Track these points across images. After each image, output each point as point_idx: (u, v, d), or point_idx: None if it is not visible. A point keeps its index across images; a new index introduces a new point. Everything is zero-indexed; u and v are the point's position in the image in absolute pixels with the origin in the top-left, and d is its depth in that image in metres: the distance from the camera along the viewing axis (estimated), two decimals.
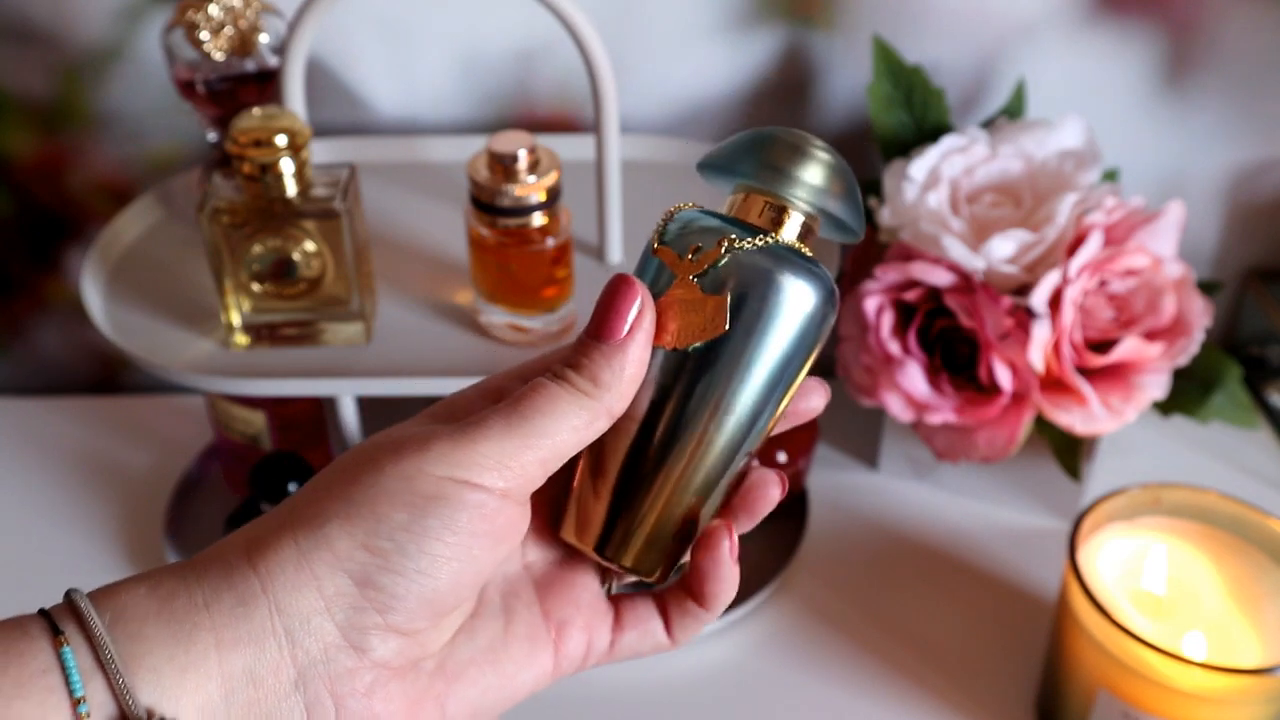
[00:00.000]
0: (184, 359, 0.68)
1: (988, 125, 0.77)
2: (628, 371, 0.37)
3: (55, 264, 0.89)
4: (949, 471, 0.82)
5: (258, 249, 0.65)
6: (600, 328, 0.37)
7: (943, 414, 0.72)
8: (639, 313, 0.37)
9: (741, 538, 0.40)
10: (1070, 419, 0.70)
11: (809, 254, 0.39)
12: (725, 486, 0.39)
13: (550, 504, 0.41)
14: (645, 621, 0.40)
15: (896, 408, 0.73)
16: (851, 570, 0.77)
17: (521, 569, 0.40)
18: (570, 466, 0.39)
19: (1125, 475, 0.75)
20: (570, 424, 0.36)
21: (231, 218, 0.64)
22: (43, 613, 0.33)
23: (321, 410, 0.78)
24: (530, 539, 0.41)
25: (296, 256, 0.65)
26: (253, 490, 0.72)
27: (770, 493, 0.39)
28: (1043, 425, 0.72)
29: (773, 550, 0.77)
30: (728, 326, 0.37)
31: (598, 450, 0.39)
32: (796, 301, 0.37)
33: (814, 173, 0.38)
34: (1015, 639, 0.73)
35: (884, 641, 0.73)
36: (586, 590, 0.40)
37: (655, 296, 0.38)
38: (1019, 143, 0.73)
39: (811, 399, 0.40)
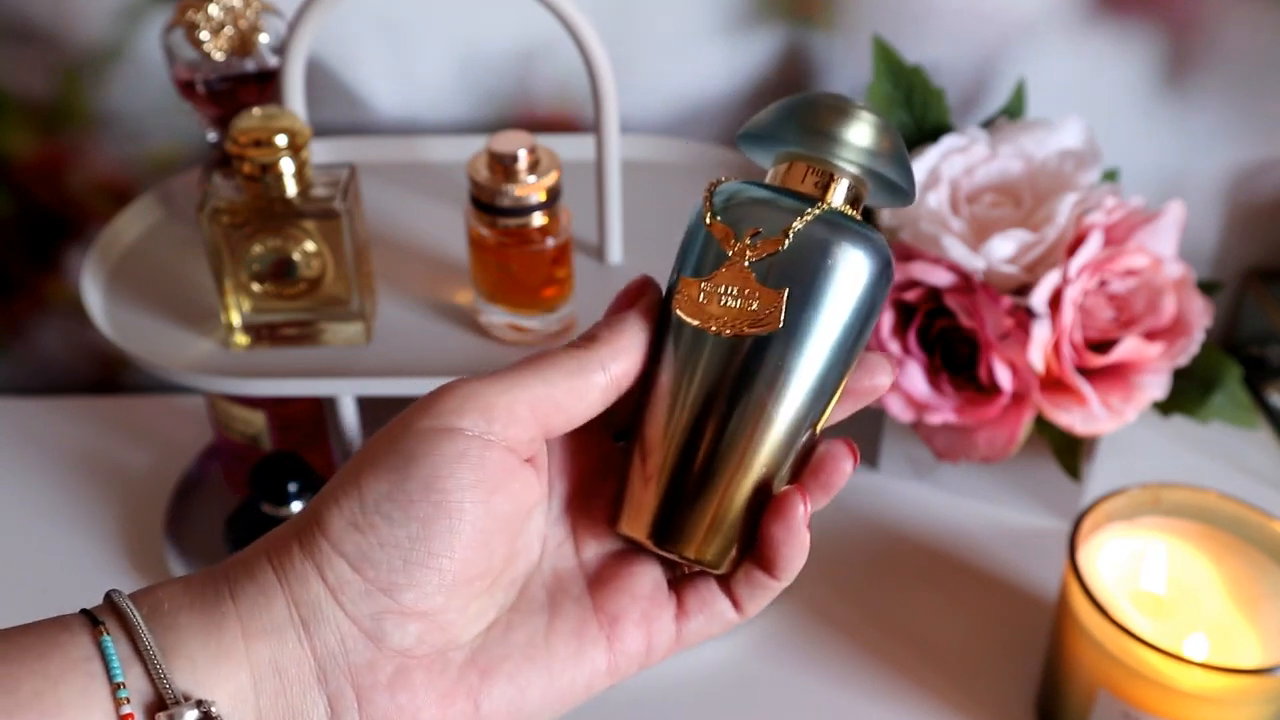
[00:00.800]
0: (184, 359, 0.68)
1: (988, 125, 0.77)
2: (625, 333, 0.37)
3: (55, 264, 0.89)
4: (949, 471, 0.82)
5: (258, 249, 0.65)
6: (611, 305, 0.39)
7: (943, 414, 0.72)
8: (645, 292, 0.38)
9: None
10: (1070, 419, 0.70)
11: (862, 220, 0.37)
12: (791, 466, 0.38)
13: (605, 498, 0.40)
14: (711, 603, 0.39)
15: (896, 408, 0.73)
16: (851, 570, 0.77)
17: (575, 565, 0.39)
18: (622, 457, 0.39)
19: (1125, 475, 0.75)
20: (559, 369, 0.36)
21: (231, 218, 0.64)
22: (83, 611, 0.34)
23: (321, 410, 0.78)
24: (585, 534, 0.40)
25: (296, 256, 0.65)
26: (253, 490, 0.72)
27: (843, 465, 0.39)
28: (1043, 425, 0.72)
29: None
30: (782, 320, 0.36)
31: (650, 436, 0.38)
32: (855, 271, 0.36)
33: (860, 133, 0.37)
34: (1015, 639, 0.73)
35: (884, 641, 0.73)
36: (646, 581, 0.39)
37: (704, 273, 0.37)
38: (1019, 143, 0.73)
39: (877, 376, 0.39)
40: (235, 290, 0.66)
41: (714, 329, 0.36)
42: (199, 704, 0.32)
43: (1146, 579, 0.64)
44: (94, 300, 0.71)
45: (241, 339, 0.68)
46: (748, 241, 0.36)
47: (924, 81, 0.77)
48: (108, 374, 0.94)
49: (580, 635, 0.38)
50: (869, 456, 0.85)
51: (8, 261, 0.89)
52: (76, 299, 0.80)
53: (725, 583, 0.39)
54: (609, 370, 0.37)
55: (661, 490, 0.38)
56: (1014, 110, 0.78)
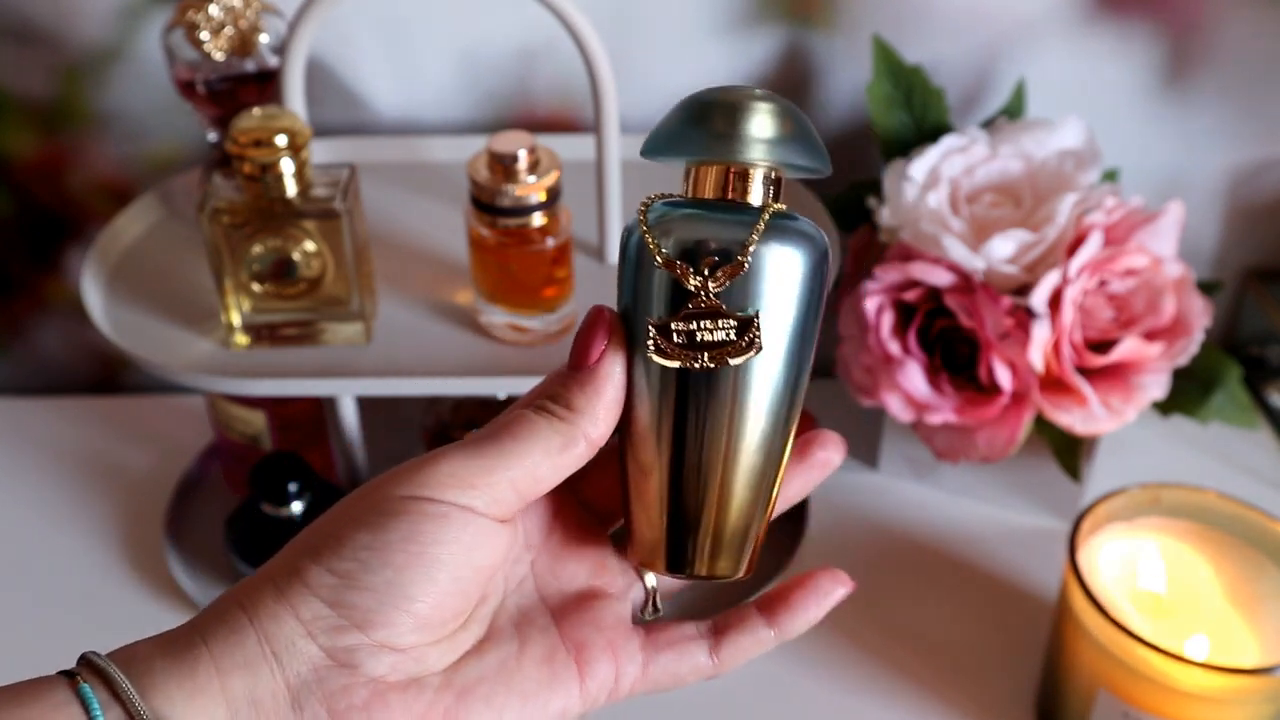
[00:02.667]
0: (184, 359, 0.68)
1: (988, 125, 0.77)
2: (602, 396, 0.37)
3: (55, 264, 0.89)
4: (949, 471, 0.82)
5: (258, 249, 0.65)
6: (573, 357, 0.38)
7: (943, 414, 0.72)
8: (609, 339, 0.38)
9: None
10: (1070, 419, 0.70)
11: (792, 213, 0.38)
12: (783, 462, 0.39)
13: (560, 534, 0.41)
14: (680, 642, 0.40)
15: (896, 408, 0.73)
16: (851, 570, 0.76)
17: (537, 600, 0.40)
18: (619, 493, 0.40)
19: (1125, 475, 0.75)
20: (543, 447, 0.37)
21: (231, 218, 0.64)
22: (60, 672, 0.35)
23: (321, 410, 0.78)
24: (544, 571, 0.41)
25: (296, 256, 0.65)
26: (253, 490, 0.72)
27: (831, 458, 0.41)
28: (1043, 425, 0.72)
29: (773, 550, 0.77)
30: (762, 342, 0.36)
31: (638, 473, 0.38)
32: (805, 268, 0.37)
33: (762, 125, 0.37)
34: (1015, 639, 0.73)
35: (884, 641, 0.73)
36: (608, 614, 0.40)
37: (665, 308, 0.37)
38: (1019, 143, 0.73)
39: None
40: (235, 290, 0.66)
41: (698, 366, 0.37)
42: None
43: (1146, 579, 0.64)
44: (94, 300, 0.71)
45: (241, 339, 0.68)
46: (707, 274, 0.36)
47: (924, 81, 0.77)
48: (108, 374, 0.94)
49: (550, 660, 0.39)
50: (869, 457, 0.85)
51: (8, 261, 0.89)
52: (76, 299, 0.80)
53: (715, 626, 0.40)
54: (589, 437, 0.38)
55: (662, 522, 0.38)
56: (1014, 110, 0.78)
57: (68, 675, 0.34)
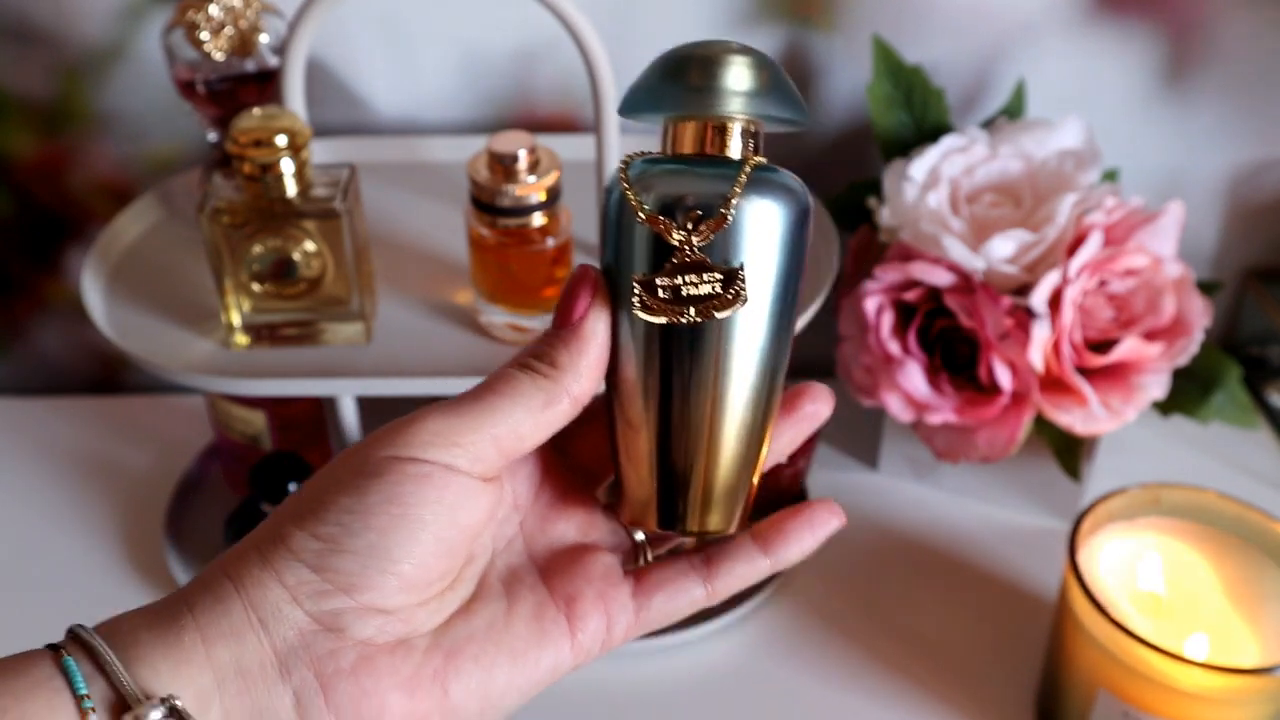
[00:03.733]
0: (184, 359, 0.68)
1: (988, 125, 0.77)
2: (585, 353, 0.37)
3: (55, 264, 0.89)
4: (949, 471, 0.82)
5: (258, 249, 0.65)
6: (557, 315, 0.38)
7: (943, 414, 0.72)
8: (592, 298, 0.37)
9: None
10: (1070, 419, 0.70)
11: (773, 166, 0.37)
12: (772, 416, 0.39)
13: (548, 494, 0.41)
14: (673, 581, 0.40)
15: (896, 408, 0.73)
16: (851, 570, 0.77)
17: (526, 559, 0.40)
18: (609, 452, 0.39)
19: (1125, 475, 0.75)
20: (526, 404, 0.37)
21: (231, 218, 0.64)
22: (45, 646, 0.35)
23: (321, 410, 0.78)
24: (533, 529, 0.41)
25: (296, 256, 0.65)
26: (253, 490, 0.72)
27: (819, 410, 0.40)
28: (1043, 425, 0.72)
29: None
30: (747, 294, 0.36)
31: (626, 430, 0.38)
32: (787, 221, 0.37)
33: (739, 77, 0.36)
34: (1015, 639, 0.73)
35: (884, 641, 0.73)
36: (597, 565, 0.40)
37: (649, 264, 0.37)
38: (1019, 143, 0.73)
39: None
40: (235, 290, 0.66)
41: (684, 321, 0.36)
42: (164, 700, 0.33)
43: (1146, 579, 0.64)
44: (94, 300, 0.71)
45: (241, 339, 0.68)
46: (690, 228, 0.36)
47: (924, 81, 0.77)
48: (108, 374, 0.94)
49: (539, 616, 0.38)
50: (869, 456, 0.85)
51: (8, 261, 0.89)
52: (76, 299, 0.80)
53: (707, 554, 0.40)
54: (573, 394, 0.37)
55: (651, 479, 0.38)
56: (1014, 110, 0.78)
57: (53, 649, 0.34)
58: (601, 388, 0.38)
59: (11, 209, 0.87)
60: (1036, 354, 0.68)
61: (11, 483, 0.84)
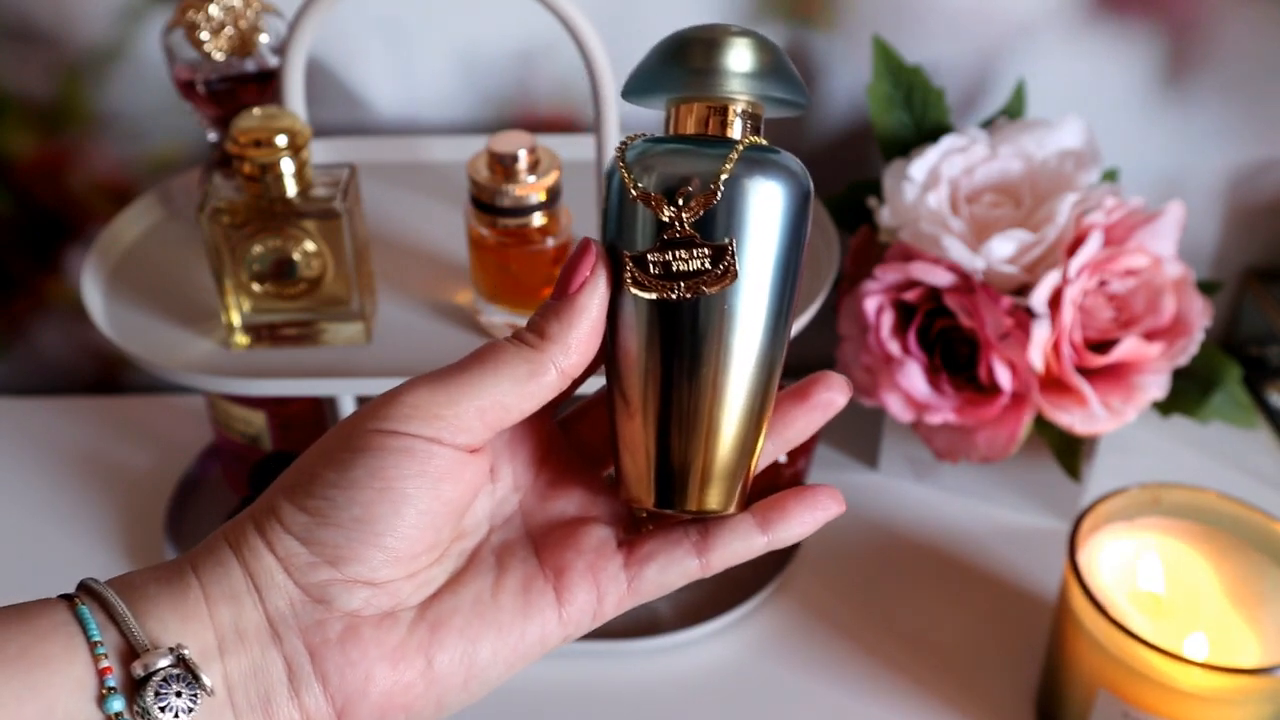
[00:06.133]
0: (184, 359, 0.68)
1: (988, 125, 0.77)
2: (575, 325, 0.37)
3: (55, 264, 0.89)
4: (949, 471, 0.82)
5: (258, 249, 0.65)
6: (557, 287, 0.38)
7: (943, 414, 0.72)
8: (592, 271, 0.37)
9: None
10: (1070, 419, 0.70)
11: (773, 147, 0.38)
12: (770, 395, 0.39)
13: (551, 471, 0.41)
14: (666, 552, 0.39)
15: (896, 408, 0.73)
16: (851, 570, 0.77)
17: (523, 535, 0.40)
18: (608, 429, 0.39)
19: (1125, 475, 0.75)
20: (511, 375, 0.37)
21: (231, 218, 0.64)
22: (60, 595, 0.36)
23: (321, 410, 0.78)
24: (532, 507, 0.41)
25: (296, 256, 0.65)
26: (253, 490, 0.72)
27: (834, 399, 0.40)
28: (1043, 425, 0.72)
29: (773, 550, 0.77)
30: (739, 270, 0.36)
31: (624, 409, 0.38)
32: (784, 200, 0.37)
33: (740, 59, 0.37)
34: (1015, 639, 0.73)
35: (884, 641, 0.73)
36: (591, 538, 0.40)
37: (643, 241, 0.37)
38: (1019, 143, 0.73)
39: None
40: (235, 290, 0.66)
41: (674, 297, 0.37)
42: (172, 650, 0.34)
43: (1146, 579, 0.64)
44: (94, 300, 0.71)
45: (241, 339, 0.68)
46: (681, 204, 0.36)
47: (924, 81, 0.77)
48: (108, 374, 0.94)
49: (527, 589, 0.38)
50: (869, 456, 0.85)
51: (8, 261, 0.89)
52: (76, 299, 0.80)
53: (698, 530, 0.39)
54: (559, 367, 0.37)
55: (649, 456, 0.38)
56: (1014, 110, 0.78)
57: (67, 599, 0.35)
58: (589, 361, 0.38)
59: (11, 209, 0.87)
60: (1036, 354, 0.68)
61: (11, 483, 0.84)
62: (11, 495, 0.83)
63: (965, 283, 0.69)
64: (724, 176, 0.36)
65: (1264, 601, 0.63)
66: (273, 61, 0.71)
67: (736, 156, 0.36)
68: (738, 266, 0.36)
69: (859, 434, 0.86)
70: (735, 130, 0.38)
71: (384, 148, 0.82)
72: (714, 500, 0.38)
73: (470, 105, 0.83)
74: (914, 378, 0.72)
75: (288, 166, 0.63)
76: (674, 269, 0.37)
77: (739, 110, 0.38)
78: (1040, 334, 0.68)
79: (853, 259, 0.79)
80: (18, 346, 0.93)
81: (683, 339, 0.37)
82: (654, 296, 0.37)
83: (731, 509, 0.39)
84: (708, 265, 0.36)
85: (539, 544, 0.40)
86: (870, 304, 0.72)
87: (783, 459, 0.76)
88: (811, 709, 0.69)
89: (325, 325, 0.68)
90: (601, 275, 0.37)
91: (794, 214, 0.37)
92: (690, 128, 0.38)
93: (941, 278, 0.70)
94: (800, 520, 0.39)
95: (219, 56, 0.70)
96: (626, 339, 0.38)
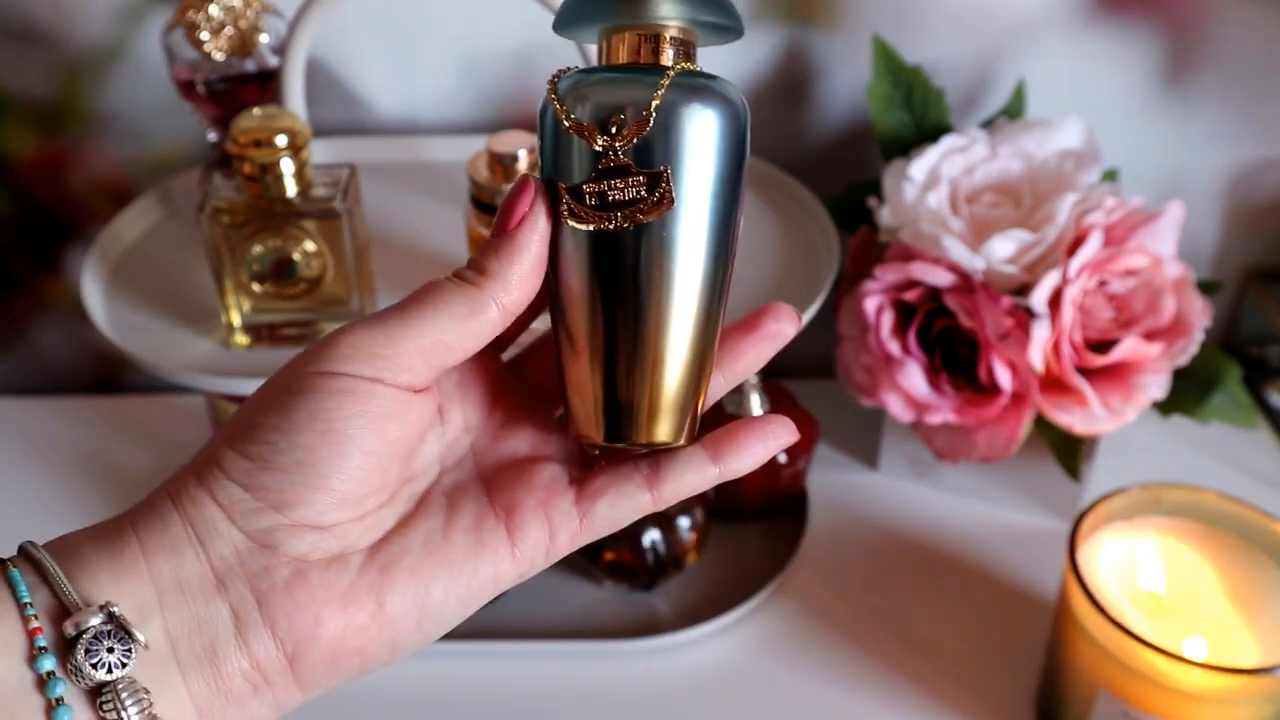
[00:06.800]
0: (184, 359, 0.68)
1: (988, 125, 0.77)
2: (515, 262, 0.37)
3: (55, 264, 0.89)
4: (949, 471, 0.82)
5: (258, 249, 0.65)
6: (495, 224, 0.38)
7: (943, 414, 0.72)
8: (530, 206, 0.37)
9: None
10: (1070, 419, 0.70)
11: (707, 73, 0.37)
12: (715, 324, 0.38)
13: (502, 411, 0.41)
14: (617, 486, 0.39)
15: (896, 408, 0.73)
16: (851, 570, 0.77)
17: (475, 475, 0.40)
18: (555, 365, 0.39)
19: (1125, 475, 0.75)
20: (451, 313, 0.36)
21: (231, 218, 0.64)
22: None
23: None
24: (484, 448, 0.40)
25: (296, 256, 0.65)
26: None
27: (783, 329, 0.40)
28: (1043, 425, 0.72)
29: (773, 550, 0.77)
30: (675, 197, 0.36)
31: (569, 343, 0.38)
32: (718, 125, 0.36)
33: None
34: (1015, 639, 0.73)
35: (884, 641, 0.73)
36: (542, 474, 0.39)
37: (579, 172, 0.37)
38: (1019, 143, 0.73)
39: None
40: (235, 290, 0.66)
41: (612, 227, 0.36)
42: (102, 607, 0.34)
43: (1146, 579, 0.64)
44: (94, 300, 0.71)
45: (241, 339, 0.68)
46: (614, 132, 0.36)
47: (924, 81, 0.77)
48: (108, 374, 0.94)
49: (478, 528, 0.38)
50: (869, 456, 0.85)
51: (8, 261, 0.89)
52: (76, 299, 0.80)
53: (649, 463, 0.39)
54: (500, 303, 0.37)
55: (596, 391, 0.38)
56: (1014, 110, 0.79)
57: (1, 563, 0.35)
58: (531, 297, 0.38)
59: (11, 209, 0.87)
60: (1036, 354, 0.68)
61: (11, 483, 0.84)
62: (11, 495, 0.83)
63: (965, 283, 0.69)
64: (655, 103, 0.36)
65: (1264, 601, 0.63)
66: (273, 61, 0.71)
67: (668, 83, 0.36)
68: (674, 193, 0.36)
69: (859, 434, 0.86)
70: (668, 57, 0.37)
71: (384, 148, 0.82)
72: (663, 432, 0.38)
73: (470, 105, 0.83)
74: (914, 378, 0.72)
75: (288, 166, 0.63)
76: (610, 199, 0.36)
77: (670, 37, 0.37)
78: (1040, 334, 0.68)
79: (853, 259, 0.79)
80: (18, 346, 0.93)
81: (623, 270, 0.37)
82: (591, 228, 0.37)
83: (681, 440, 0.38)
84: (643, 193, 0.36)
85: (490, 484, 0.39)
86: (870, 304, 0.72)
87: (782, 458, 0.76)
88: (811, 709, 0.69)
89: (325, 325, 0.68)
90: (540, 210, 0.37)
91: (730, 138, 0.37)
92: (622, 57, 0.37)
93: (941, 278, 0.70)
94: (752, 450, 0.39)
95: (219, 56, 0.70)
96: (568, 273, 0.38)
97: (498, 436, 0.41)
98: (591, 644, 0.72)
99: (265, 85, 0.72)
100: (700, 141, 0.36)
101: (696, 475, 0.39)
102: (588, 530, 0.39)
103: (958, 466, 0.80)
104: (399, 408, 0.36)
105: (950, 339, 0.72)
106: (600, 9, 0.37)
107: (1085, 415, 0.69)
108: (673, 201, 0.36)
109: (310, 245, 0.65)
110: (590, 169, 0.36)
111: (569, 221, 0.37)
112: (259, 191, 0.64)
